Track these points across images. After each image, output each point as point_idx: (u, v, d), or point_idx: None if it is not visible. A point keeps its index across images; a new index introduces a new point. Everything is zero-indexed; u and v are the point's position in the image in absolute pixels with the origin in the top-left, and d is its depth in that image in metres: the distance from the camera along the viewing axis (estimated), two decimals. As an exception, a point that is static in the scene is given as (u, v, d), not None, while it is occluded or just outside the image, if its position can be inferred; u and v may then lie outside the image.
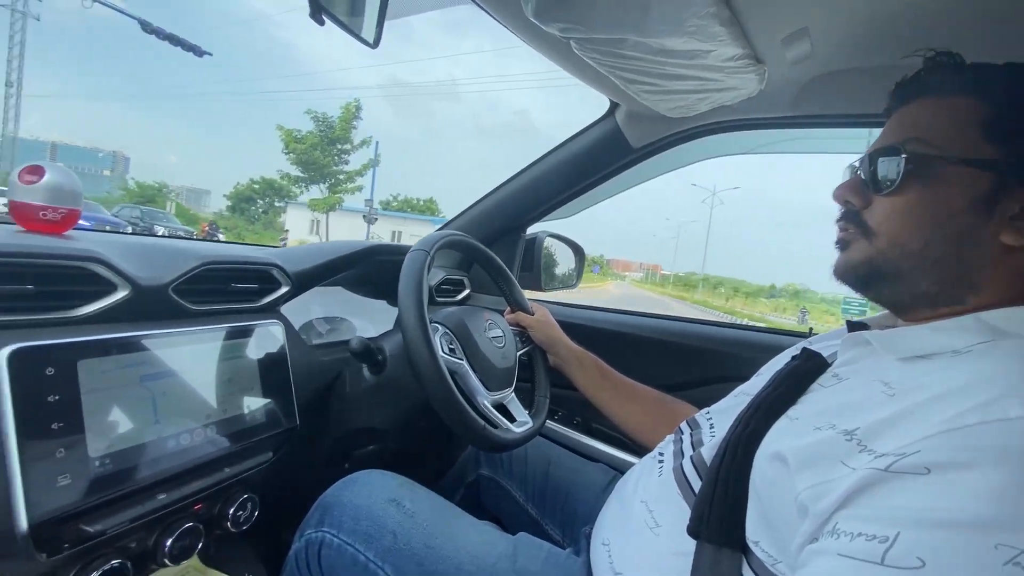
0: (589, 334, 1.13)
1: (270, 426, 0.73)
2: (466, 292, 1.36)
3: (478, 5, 0.66)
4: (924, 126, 0.48)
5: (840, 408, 0.42)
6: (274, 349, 0.77)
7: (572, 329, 1.02)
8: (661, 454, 0.63)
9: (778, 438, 0.45)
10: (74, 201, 0.67)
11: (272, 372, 0.75)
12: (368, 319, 1.19)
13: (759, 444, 0.46)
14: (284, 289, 0.83)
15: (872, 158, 0.49)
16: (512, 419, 0.87)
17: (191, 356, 0.65)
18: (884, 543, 0.30)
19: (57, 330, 0.56)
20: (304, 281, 0.87)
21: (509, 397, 0.89)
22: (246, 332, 0.73)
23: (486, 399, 0.81)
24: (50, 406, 0.51)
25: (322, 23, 0.51)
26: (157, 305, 0.66)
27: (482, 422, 0.73)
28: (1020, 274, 0.44)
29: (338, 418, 0.90)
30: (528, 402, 0.95)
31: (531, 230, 1.37)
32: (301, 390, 0.80)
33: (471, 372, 0.81)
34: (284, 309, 0.85)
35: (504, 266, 1.01)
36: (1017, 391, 0.33)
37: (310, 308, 1.08)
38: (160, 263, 0.68)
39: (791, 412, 0.47)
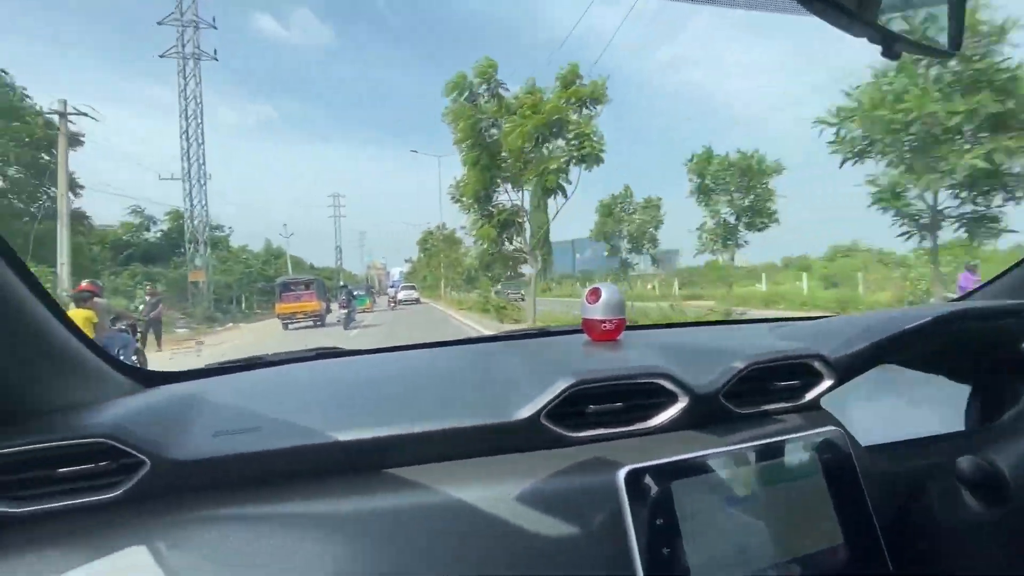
0: None
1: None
2: None
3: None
4: None
5: None
6: (839, 461, 0.64)
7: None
8: None
9: None
10: (621, 311, 0.88)
11: (842, 495, 0.62)
12: (932, 410, 0.93)
13: None
14: (827, 383, 0.73)
15: None
16: None
17: (759, 472, 0.60)
18: None
19: (640, 442, 0.63)
20: (849, 369, 0.74)
21: None
22: (801, 443, 0.63)
23: None
24: (657, 528, 0.53)
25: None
26: (709, 412, 0.66)
27: None
28: None
29: (936, 557, 0.66)
30: None
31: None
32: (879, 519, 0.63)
33: None
34: (827, 401, 0.74)
35: None
36: None
37: (853, 398, 0.85)
38: (708, 367, 0.69)
39: None
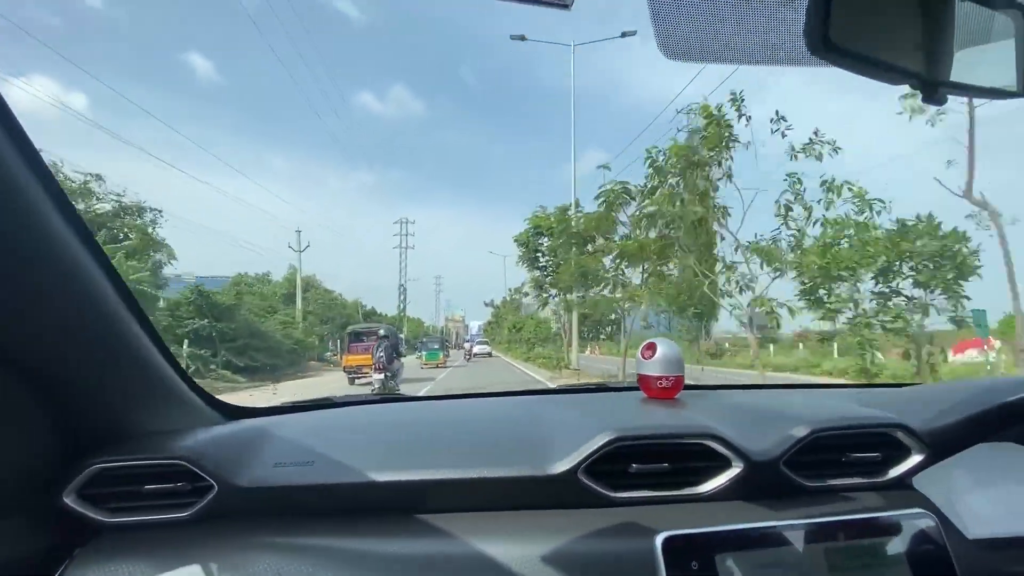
0: None
1: None
2: None
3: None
4: None
5: None
6: (928, 551, 0.55)
7: None
8: None
9: None
10: (679, 368, 0.82)
11: None
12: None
13: None
14: (916, 459, 0.65)
15: None
16: None
17: (825, 554, 0.54)
18: None
19: (688, 509, 0.59)
20: (944, 445, 0.66)
21: None
22: (878, 525, 0.56)
23: None
24: None
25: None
26: (769, 482, 0.61)
27: None
28: None
29: None
30: None
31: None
32: None
33: None
34: (920, 481, 0.65)
35: None
36: None
37: (954, 480, 0.71)
38: (768, 433, 0.64)
39: None
